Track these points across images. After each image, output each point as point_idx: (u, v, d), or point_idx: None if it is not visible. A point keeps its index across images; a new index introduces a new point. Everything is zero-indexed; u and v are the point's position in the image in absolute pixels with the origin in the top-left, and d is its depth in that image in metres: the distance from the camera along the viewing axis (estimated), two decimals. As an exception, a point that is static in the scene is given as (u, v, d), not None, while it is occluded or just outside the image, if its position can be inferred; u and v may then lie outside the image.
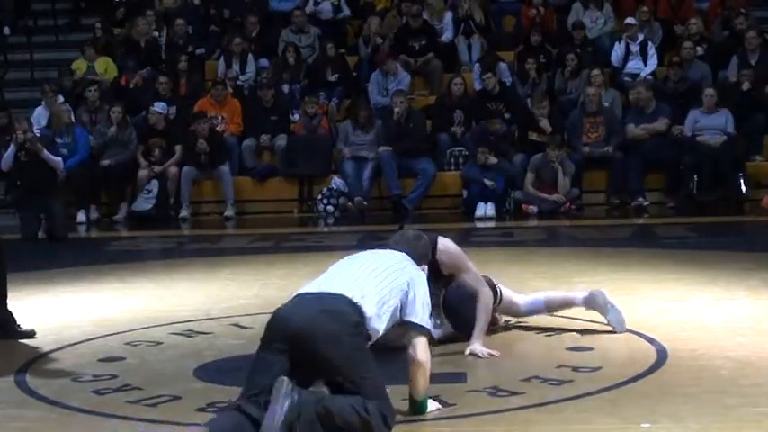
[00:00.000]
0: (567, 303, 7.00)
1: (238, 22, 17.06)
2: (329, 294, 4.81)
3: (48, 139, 13.22)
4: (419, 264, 5.34)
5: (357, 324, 4.76)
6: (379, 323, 4.88)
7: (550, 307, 6.99)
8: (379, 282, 4.93)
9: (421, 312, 5.02)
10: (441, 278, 6.55)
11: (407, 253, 5.31)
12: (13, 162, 12.83)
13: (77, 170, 13.98)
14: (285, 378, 4.50)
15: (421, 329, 5.00)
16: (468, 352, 6.31)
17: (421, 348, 4.96)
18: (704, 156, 13.79)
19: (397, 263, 5.14)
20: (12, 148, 12.77)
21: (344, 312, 4.74)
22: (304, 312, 4.71)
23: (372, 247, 5.50)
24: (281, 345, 4.64)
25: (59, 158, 13.03)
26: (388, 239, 5.63)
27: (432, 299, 6.53)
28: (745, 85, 14.48)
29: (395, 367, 6.24)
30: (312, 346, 4.63)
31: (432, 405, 5.12)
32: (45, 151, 12.74)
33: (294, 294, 4.94)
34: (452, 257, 6.49)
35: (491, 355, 6.26)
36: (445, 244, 6.51)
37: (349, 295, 4.80)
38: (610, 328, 6.80)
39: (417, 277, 5.13)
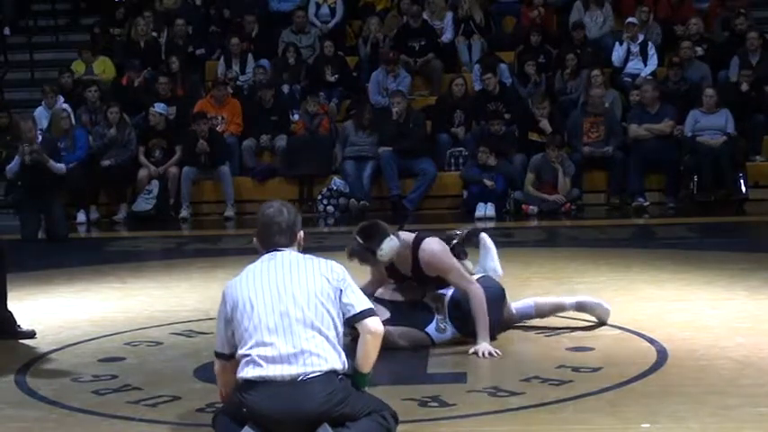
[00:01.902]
0: (557, 308, 7.02)
1: (238, 22, 17.06)
2: (306, 382, 4.51)
3: (51, 144, 13.25)
4: (296, 235, 4.89)
5: (343, 389, 4.59)
6: (343, 356, 4.69)
7: (540, 312, 7.00)
8: (318, 314, 4.63)
9: (356, 299, 4.74)
10: (428, 280, 6.55)
11: (290, 243, 4.88)
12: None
13: (77, 170, 13.98)
14: (326, 425, 4.47)
15: (366, 313, 4.73)
16: (471, 351, 6.30)
17: (372, 323, 4.72)
18: (704, 156, 13.79)
19: (309, 270, 4.75)
20: (17, 159, 12.76)
21: (331, 394, 4.52)
22: (306, 408, 4.48)
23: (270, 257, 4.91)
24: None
25: (62, 165, 13.07)
26: None
27: (436, 305, 6.58)
28: (744, 86, 14.47)
29: (395, 367, 6.26)
30: (321, 422, 4.52)
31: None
32: (51, 161, 12.81)
33: (261, 378, 4.54)
34: (433, 257, 6.45)
35: (491, 354, 6.24)
36: (428, 243, 6.48)
37: (322, 369, 4.54)
38: (609, 329, 6.81)
39: (328, 272, 4.74)
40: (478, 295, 6.42)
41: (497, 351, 6.28)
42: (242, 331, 4.63)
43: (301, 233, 4.92)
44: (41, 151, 12.79)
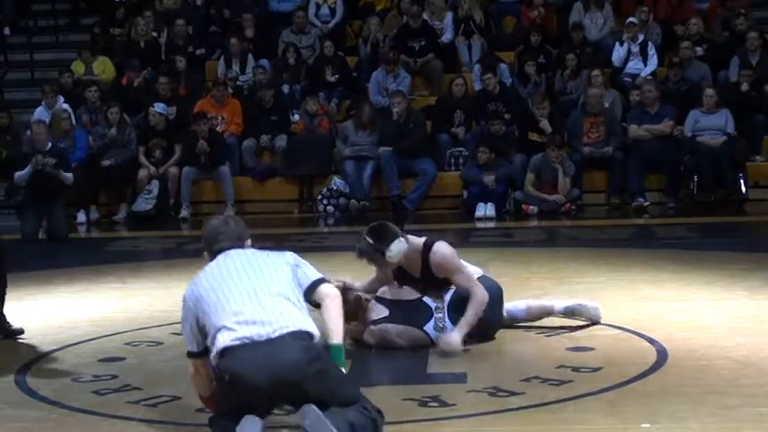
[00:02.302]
0: (547, 312, 7.04)
1: (238, 22, 17.06)
2: (281, 338, 4.56)
3: (63, 155, 13.24)
4: (244, 244, 5.04)
5: (319, 351, 4.62)
6: (313, 324, 4.72)
7: (531, 315, 7.01)
8: (287, 289, 4.74)
9: (309, 272, 4.90)
10: (435, 283, 6.56)
11: (235, 244, 4.98)
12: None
13: (77, 170, 13.98)
14: (311, 406, 4.45)
15: (320, 281, 4.86)
16: (442, 343, 6.34)
17: (327, 288, 4.83)
18: (704, 156, 13.79)
19: (268, 260, 4.87)
20: (29, 169, 12.74)
21: (306, 348, 4.56)
22: (272, 367, 4.49)
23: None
24: (264, 401, 4.57)
25: (71, 175, 13.06)
26: None
27: (435, 304, 6.59)
28: (745, 86, 14.47)
29: (395, 367, 6.26)
30: (302, 391, 4.52)
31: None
32: (62, 173, 12.82)
33: (238, 341, 4.59)
34: (443, 259, 6.48)
35: (453, 348, 6.29)
36: (439, 246, 6.52)
37: (296, 327, 4.61)
38: (609, 329, 6.81)
39: (281, 255, 4.94)
40: (482, 296, 6.45)
41: (466, 348, 6.32)
42: (210, 316, 4.69)
43: (249, 242, 5.07)
44: (54, 165, 12.78)
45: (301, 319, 4.67)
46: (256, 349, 4.53)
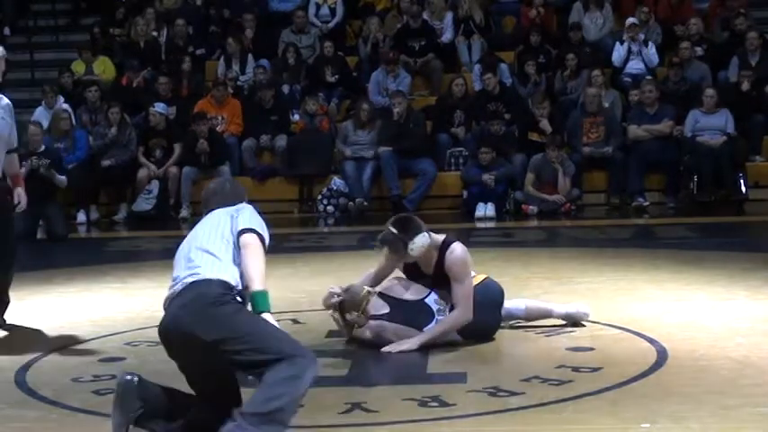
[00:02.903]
0: (546, 314, 7.06)
1: (238, 22, 17.06)
2: (185, 288, 4.65)
3: (56, 155, 13.25)
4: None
5: (221, 295, 4.57)
6: (236, 274, 4.68)
7: (530, 315, 7.02)
8: (214, 241, 4.77)
9: (242, 221, 4.80)
10: (446, 282, 6.56)
11: (224, 205, 5.03)
12: None
13: (77, 170, 13.99)
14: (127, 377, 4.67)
15: (244, 230, 4.75)
16: (387, 349, 6.39)
17: (246, 238, 4.72)
18: (704, 156, 13.79)
19: (221, 214, 4.91)
20: (24, 170, 12.75)
21: (202, 294, 4.57)
22: (170, 317, 4.62)
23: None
24: (177, 358, 4.71)
25: (64, 177, 13.09)
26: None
27: (438, 306, 6.59)
28: (745, 85, 14.47)
29: (395, 367, 6.26)
30: (190, 339, 4.52)
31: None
32: (57, 175, 12.83)
33: (165, 302, 4.78)
34: (457, 260, 6.49)
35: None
36: (458, 245, 6.54)
37: (202, 276, 4.64)
38: (609, 329, 6.82)
39: (240, 208, 4.94)
40: (461, 317, 6.47)
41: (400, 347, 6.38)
42: None
43: (243, 203, 5.05)
44: (49, 166, 12.80)
45: (214, 269, 4.66)
46: (168, 306, 4.68)
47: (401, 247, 6.42)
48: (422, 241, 6.40)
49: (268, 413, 4.35)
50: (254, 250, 4.68)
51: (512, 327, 6.99)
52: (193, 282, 4.64)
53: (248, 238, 4.72)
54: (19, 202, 7.56)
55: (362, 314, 6.52)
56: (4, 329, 7.52)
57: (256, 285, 4.60)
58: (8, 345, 7.08)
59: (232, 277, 4.65)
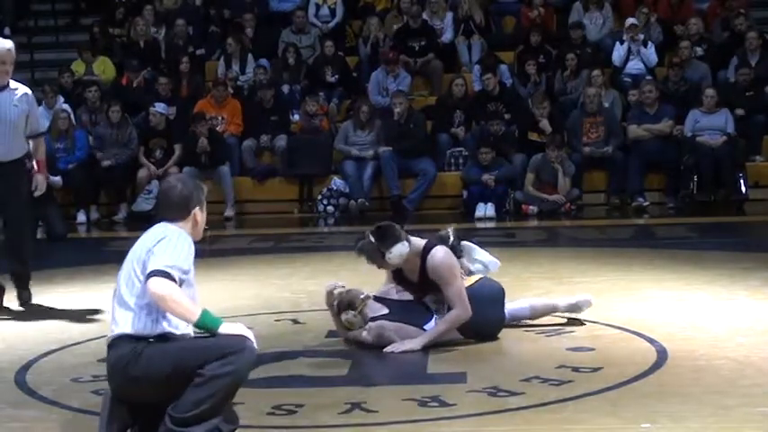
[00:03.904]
0: (551, 310, 7.09)
1: (238, 22, 17.06)
2: (108, 349, 4.67)
3: (51, 158, 13.24)
4: (182, 218, 4.80)
5: (131, 350, 4.55)
6: (148, 321, 4.59)
7: (535, 313, 7.04)
8: (128, 288, 4.63)
9: (154, 261, 4.53)
10: (433, 288, 6.55)
11: (181, 218, 4.80)
12: None
13: (77, 170, 13.98)
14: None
15: (152, 274, 4.49)
16: (390, 349, 6.40)
17: (151, 285, 4.47)
18: (704, 156, 13.79)
19: (143, 245, 4.70)
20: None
21: (119, 358, 4.58)
22: (108, 371, 4.69)
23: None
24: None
25: (59, 178, 13.17)
26: None
27: (426, 301, 6.59)
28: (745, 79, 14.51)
29: (395, 367, 6.26)
30: (131, 393, 4.63)
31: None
32: (51, 177, 12.84)
33: None
34: (441, 263, 6.48)
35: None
36: (438, 250, 6.51)
37: (115, 333, 4.62)
38: (609, 329, 6.83)
39: (154, 237, 4.67)
40: (460, 315, 6.47)
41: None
42: None
43: (196, 210, 4.84)
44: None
45: (124, 322, 4.60)
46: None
47: (378, 256, 6.42)
48: (399, 250, 6.39)
49: (199, 414, 4.45)
50: (163, 302, 4.49)
51: (512, 326, 6.99)
52: (110, 343, 4.65)
53: (152, 287, 4.47)
54: (36, 188, 8.29)
55: (359, 314, 6.52)
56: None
57: (191, 319, 4.53)
58: (8, 345, 7.08)
59: (141, 325, 4.58)
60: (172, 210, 4.82)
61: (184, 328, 4.62)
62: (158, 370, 4.51)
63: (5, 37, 17.57)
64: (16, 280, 8.37)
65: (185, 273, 4.59)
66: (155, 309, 4.54)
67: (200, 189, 4.96)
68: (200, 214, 4.89)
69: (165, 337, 4.57)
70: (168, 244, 4.61)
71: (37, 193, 8.34)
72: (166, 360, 4.52)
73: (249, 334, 4.59)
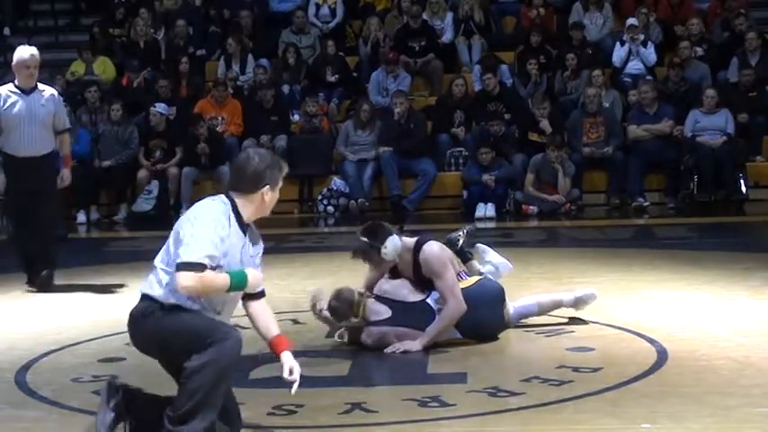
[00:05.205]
0: (557, 304, 7.12)
1: (238, 22, 17.06)
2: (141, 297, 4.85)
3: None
4: (248, 192, 4.78)
5: (145, 309, 4.70)
6: (166, 290, 4.65)
7: (543, 309, 7.07)
8: (162, 255, 4.72)
9: (182, 249, 4.54)
10: (429, 283, 6.56)
11: (247, 192, 4.79)
12: None
13: (77, 171, 13.95)
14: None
15: (180, 267, 4.52)
16: (391, 349, 6.39)
17: (180, 280, 4.51)
18: (704, 156, 13.79)
19: (184, 218, 4.69)
20: None
21: (135, 310, 4.77)
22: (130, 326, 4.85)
23: None
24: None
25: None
26: None
27: (438, 306, 6.59)
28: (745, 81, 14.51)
29: (395, 367, 6.26)
30: (141, 347, 4.84)
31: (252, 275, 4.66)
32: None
33: None
34: (432, 257, 6.51)
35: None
36: (429, 245, 6.55)
37: (141, 291, 4.80)
38: (609, 329, 6.83)
39: (190, 215, 4.66)
40: (455, 310, 6.46)
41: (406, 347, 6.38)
42: None
43: (265, 190, 4.83)
44: None
45: (148, 282, 4.77)
46: None
47: (375, 254, 6.45)
48: (393, 244, 6.43)
49: (191, 409, 4.53)
50: (196, 293, 4.58)
51: (513, 326, 6.99)
52: (139, 300, 4.82)
53: (181, 283, 4.52)
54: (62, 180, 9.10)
55: (362, 319, 6.52)
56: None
57: (225, 291, 4.62)
58: (8, 345, 7.07)
59: (159, 291, 4.68)
60: (240, 182, 4.79)
61: (200, 306, 4.67)
62: (153, 338, 4.71)
63: (5, 37, 17.55)
64: (42, 261, 9.01)
65: (211, 258, 4.55)
66: (173, 280, 4.60)
67: (278, 167, 5.02)
68: (269, 194, 4.88)
69: (176, 308, 4.65)
70: (194, 230, 4.57)
71: (62, 185, 9.16)
72: (159, 335, 4.68)
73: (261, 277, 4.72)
